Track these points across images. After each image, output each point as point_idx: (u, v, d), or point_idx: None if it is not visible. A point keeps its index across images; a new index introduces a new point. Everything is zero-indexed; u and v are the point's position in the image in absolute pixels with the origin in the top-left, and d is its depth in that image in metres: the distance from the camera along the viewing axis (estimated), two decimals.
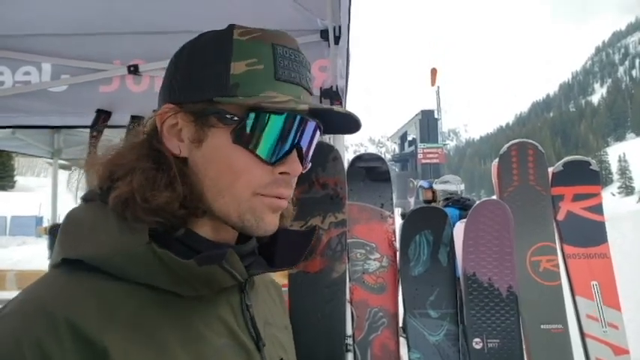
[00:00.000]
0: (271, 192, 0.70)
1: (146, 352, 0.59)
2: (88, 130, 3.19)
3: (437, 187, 6.27)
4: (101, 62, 2.97)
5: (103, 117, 2.99)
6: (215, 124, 0.67)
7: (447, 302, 1.98)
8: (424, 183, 7.20)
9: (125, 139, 0.76)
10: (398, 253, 2.04)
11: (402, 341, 2.00)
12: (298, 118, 0.69)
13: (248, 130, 0.67)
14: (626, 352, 1.93)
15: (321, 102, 3.17)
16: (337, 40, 3.02)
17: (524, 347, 1.89)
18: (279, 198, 0.72)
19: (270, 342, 0.80)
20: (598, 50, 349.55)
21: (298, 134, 0.70)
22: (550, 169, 2.09)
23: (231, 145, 0.67)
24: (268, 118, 0.66)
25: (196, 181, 0.69)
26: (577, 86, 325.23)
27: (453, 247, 1.99)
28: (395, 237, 2.10)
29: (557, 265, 1.97)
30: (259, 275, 0.82)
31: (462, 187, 6.25)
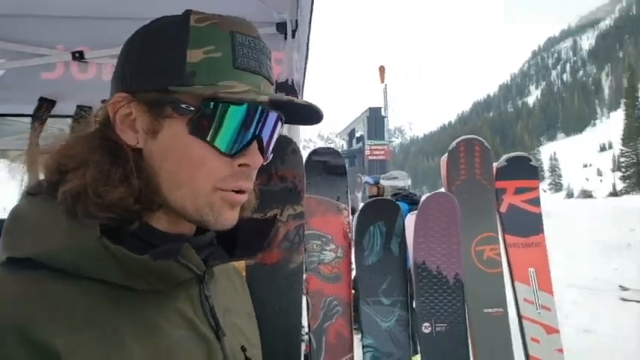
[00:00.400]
0: (230, 185, 0.69)
1: (101, 350, 0.57)
2: (26, 119, 3.04)
3: (385, 182, 6.45)
4: (43, 47, 2.82)
5: (45, 106, 2.85)
6: (170, 114, 0.65)
7: (398, 290, 2.07)
8: (369, 179, 7.36)
9: (74, 130, 0.72)
10: (352, 244, 2.11)
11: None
12: (259, 108, 0.67)
13: (205, 120, 0.64)
14: (557, 331, 2.11)
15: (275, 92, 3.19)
16: (293, 33, 3.04)
17: (468, 330, 2.03)
18: (239, 192, 0.71)
19: (231, 331, 0.80)
20: (534, 54, 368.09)
21: (259, 125, 0.67)
22: (494, 164, 2.24)
23: (188, 137, 0.65)
24: (227, 108, 0.64)
25: (152, 174, 0.66)
26: (515, 88, 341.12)
27: (404, 237, 2.09)
28: (350, 228, 2.17)
29: (499, 254, 2.12)
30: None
31: (409, 182, 6.47)
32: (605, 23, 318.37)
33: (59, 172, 0.65)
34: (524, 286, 2.16)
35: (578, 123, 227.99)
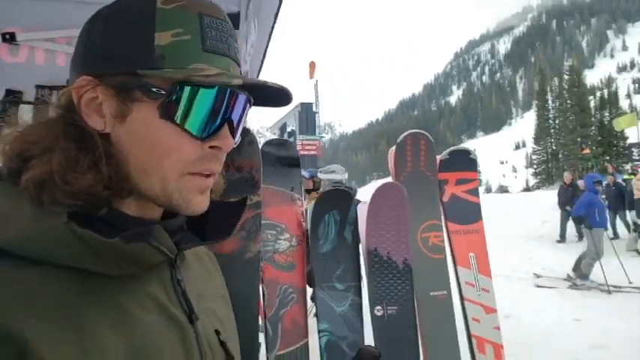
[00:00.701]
0: (200, 168, 0.68)
1: (72, 338, 0.55)
2: None
3: (323, 176, 6.56)
4: None
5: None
6: (140, 98, 0.63)
7: (352, 276, 2.17)
8: (305, 173, 7.44)
9: (36, 115, 0.70)
10: (309, 233, 2.18)
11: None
12: (229, 91, 0.66)
13: (177, 104, 0.63)
14: (494, 310, 2.31)
15: None
16: (238, 24, 3.04)
17: (416, 312, 2.16)
18: (208, 175, 0.71)
19: (205, 314, 0.79)
20: (456, 56, 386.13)
21: (229, 108, 0.67)
22: (438, 157, 2.39)
23: (159, 121, 0.63)
24: (198, 91, 0.63)
25: (121, 160, 0.65)
26: (438, 88, 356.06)
27: (357, 226, 2.19)
28: (304, 218, 2.23)
29: (443, 240, 2.28)
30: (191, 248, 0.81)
31: (346, 176, 6.63)
32: (519, 30, 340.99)
33: (20, 159, 0.62)
34: (466, 270, 2.33)
35: (495, 122, 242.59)
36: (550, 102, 74.12)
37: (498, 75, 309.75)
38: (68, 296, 0.57)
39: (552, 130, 72.15)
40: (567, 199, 12.56)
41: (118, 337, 0.59)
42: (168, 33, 0.62)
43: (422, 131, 2.36)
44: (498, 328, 2.28)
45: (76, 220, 0.59)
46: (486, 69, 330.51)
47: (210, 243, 0.81)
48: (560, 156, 65.40)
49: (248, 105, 0.72)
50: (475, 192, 2.45)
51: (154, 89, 0.62)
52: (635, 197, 10.75)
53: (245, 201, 0.82)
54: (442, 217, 2.36)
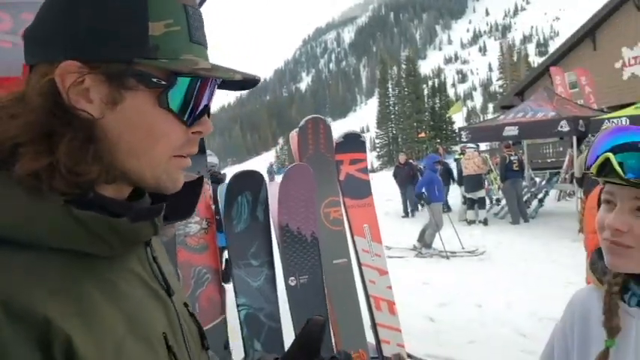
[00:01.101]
0: (186, 151, 0.70)
1: (77, 312, 0.57)
2: None
3: None
4: None
5: None
6: (134, 86, 0.63)
7: (265, 252, 2.32)
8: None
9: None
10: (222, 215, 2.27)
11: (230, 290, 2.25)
12: (213, 82, 0.69)
13: (175, 94, 0.65)
14: (386, 272, 2.66)
15: None
16: None
17: (324, 279, 2.40)
18: (187, 156, 0.74)
19: (175, 289, 0.84)
20: (305, 42, 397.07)
21: (210, 96, 0.71)
22: (334, 140, 2.64)
23: (156, 109, 0.64)
24: (193, 82, 0.66)
25: (108, 144, 0.64)
26: (288, 73, 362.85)
27: (268, 205, 2.34)
28: (212, 200, 2.32)
29: (341, 214, 2.54)
30: None
31: (216, 160, 6.62)
32: (362, 20, 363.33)
33: (5, 145, 0.60)
34: (361, 239, 2.64)
35: (342, 108, 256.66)
36: (390, 90, 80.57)
37: (344, 63, 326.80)
38: (67, 275, 0.59)
39: (392, 116, 78.69)
40: (406, 177, 13.70)
41: (114, 308, 0.61)
42: (161, 23, 0.63)
43: (320, 116, 2.59)
44: (390, 288, 2.64)
45: (71, 204, 0.60)
46: (333, 57, 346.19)
47: (176, 222, 0.85)
48: (399, 140, 71.74)
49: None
50: (365, 170, 2.77)
51: (154, 79, 0.63)
52: (464, 174, 12.32)
53: (201, 180, 0.83)
54: (340, 193, 2.63)
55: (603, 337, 0.95)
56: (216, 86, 0.73)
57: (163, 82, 0.63)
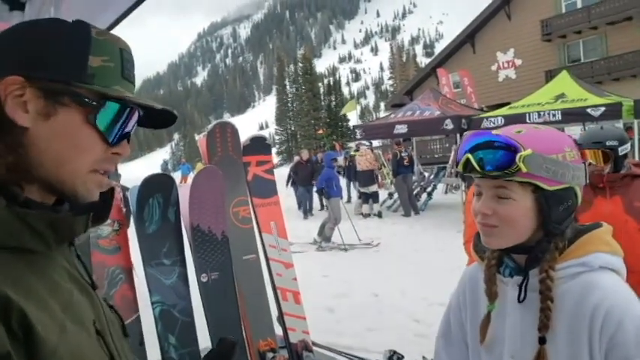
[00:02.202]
0: (104, 167, 0.78)
1: (29, 299, 0.64)
2: None
3: None
4: None
5: None
6: (68, 103, 0.72)
7: (177, 251, 2.41)
8: None
9: None
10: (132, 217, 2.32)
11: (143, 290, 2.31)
12: (135, 110, 0.79)
13: (103, 114, 0.75)
14: (292, 265, 2.87)
15: None
16: (22, 6, 2.86)
17: (234, 275, 2.55)
18: (104, 174, 0.80)
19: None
20: (200, 37, 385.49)
21: (132, 123, 0.80)
22: (242, 143, 2.79)
23: (83, 125, 0.74)
24: (120, 108, 0.76)
25: (35, 151, 0.72)
26: (183, 68, 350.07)
27: (179, 206, 2.43)
28: (123, 202, 2.36)
29: (250, 213, 2.70)
30: None
31: None
32: (258, 16, 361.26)
33: None
34: (269, 236, 2.82)
35: (240, 104, 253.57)
36: (288, 87, 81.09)
37: (241, 59, 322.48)
38: (14, 267, 0.65)
39: (291, 113, 79.25)
40: (308, 174, 13.54)
41: (53, 297, 0.69)
42: (99, 58, 0.75)
43: (228, 121, 2.72)
44: (296, 279, 2.85)
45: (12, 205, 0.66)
46: (229, 52, 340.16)
47: (94, 226, 0.92)
48: (298, 136, 72.56)
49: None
50: (271, 171, 2.95)
51: (87, 99, 0.73)
52: (358, 170, 12.97)
53: (113, 191, 0.91)
54: (248, 193, 2.78)
55: (487, 304, 1.14)
56: (137, 119, 0.82)
57: (94, 103, 0.74)
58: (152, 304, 2.30)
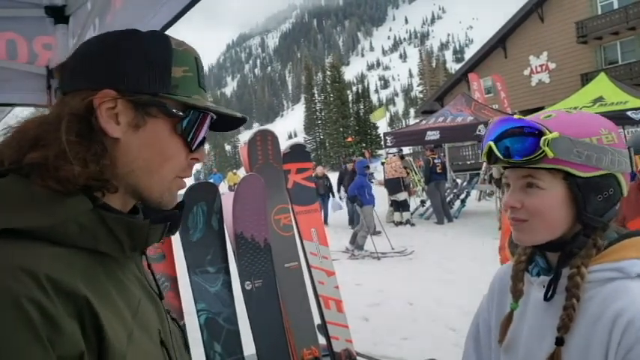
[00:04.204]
0: (186, 174, 0.82)
1: (101, 301, 0.64)
2: None
3: None
4: None
5: None
6: (156, 114, 0.75)
7: (221, 258, 2.42)
8: None
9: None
10: None
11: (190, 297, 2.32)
12: (209, 115, 0.81)
13: (188, 124, 0.78)
14: (334, 273, 2.85)
15: (48, 81, 3.02)
16: (66, 19, 2.94)
17: (277, 283, 2.54)
18: (182, 179, 0.83)
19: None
20: (229, 47, 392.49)
21: (207, 131, 0.83)
22: (282, 150, 2.80)
23: (170, 134, 0.77)
24: (201, 116, 0.79)
25: (125, 161, 0.74)
26: (213, 78, 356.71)
27: (222, 214, 2.45)
28: None
29: (291, 220, 2.70)
30: None
31: None
32: (286, 26, 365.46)
33: (30, 146, 0.69)
34: (310, 243, 2.82)
35: (269, 113, 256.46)
36: (316, 95, 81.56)
37: (269, 68, 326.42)
38: (89, 268, 0.66)
39: (319, 121, 79.69)
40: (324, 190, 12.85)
41: (123, 301, 0.70)
42: (180, 69, 0.78)
43: (268, 129, 2.74)
44: (338, 287, 2.83)
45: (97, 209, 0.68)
46: (258, 62, 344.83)
47: (168, 236, 0.93)
48: (327, 144, 72.79)
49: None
50: (310, 178, 2.96)
51: (174, 110, 0.76)
52: (387, 178, 12.82)
53: (183, 203, 0.92)
54: (288, 201, 2.79)
55: (511, 302, 1.06)
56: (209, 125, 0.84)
57: (180, 113, 0.77)
58: (197, 311, 2.31)
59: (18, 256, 0.60)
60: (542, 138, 0.89)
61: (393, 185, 12.33)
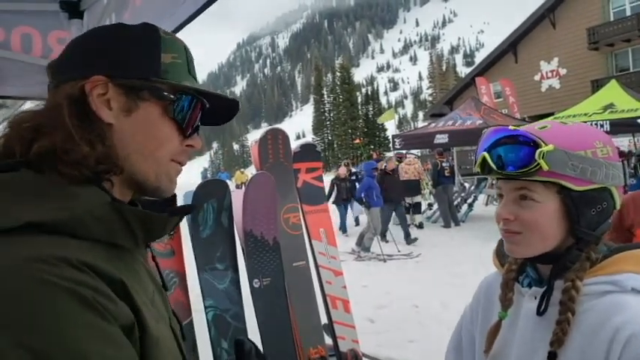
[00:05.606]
0: (180, 158, 0.82)
1: (135, 290, 0.66)
2: None
3: None
4: None
5: None
6: (148, 98, 0.76)
7: (230, 256, 2.43)
8: None
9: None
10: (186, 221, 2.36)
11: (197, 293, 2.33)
12: (200, 104, 0.82)
13: (179, 107, 0.79)
14: (341, 273, 2.85)
15: None
16: (81, 14, 2.96)
17: (285, 281, 2.55)
18: (179, 164, 0.83)
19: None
20: (239, 47, 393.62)
21: (200, 117, 0.84)
22: (292, 149, 2.81)
23: (162, 117, 0.77)
24: (192, 101, 0.80)
25: (120, 146, 0.75)
26: (223, 77, 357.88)
27: (232, 211, 2.45)
28: None
29: (300, 219, 2.71)
30: None
31: None
32: (296, 26, 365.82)
33: (33, 134, 0.70)
34: (318, 243, 2.82)
35: (278, 113, 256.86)
36: (325, 96, 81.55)
37: (279, 68, 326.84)
38: (109, 259, 0.66)
39: (328, 122, 79.65)
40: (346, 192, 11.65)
41: (141, 291, 0.71)
42: (169, 55, 0.79)
43: (279, 128, 2.75)
44: (345, 287, 2.83)
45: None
46: (268, 62, 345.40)
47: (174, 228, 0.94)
48: (335, 145, 72.74)
49: None
50: (320, 178, 2.96)
51: (165, 93, 0.77)
52: (403, 179, 12.69)
53: (175, 197, 0.91)
54: (298, 200, 2.79)
55: (499, 311, 1.03)
56: (200, 114, 0.84)
57: (172, 96, 0.78)
58: (205, 308, 2.32)
59: (46, 246, 0.60)
60: (538, 150, 0.89)
61: (413, 187, 12.04)
